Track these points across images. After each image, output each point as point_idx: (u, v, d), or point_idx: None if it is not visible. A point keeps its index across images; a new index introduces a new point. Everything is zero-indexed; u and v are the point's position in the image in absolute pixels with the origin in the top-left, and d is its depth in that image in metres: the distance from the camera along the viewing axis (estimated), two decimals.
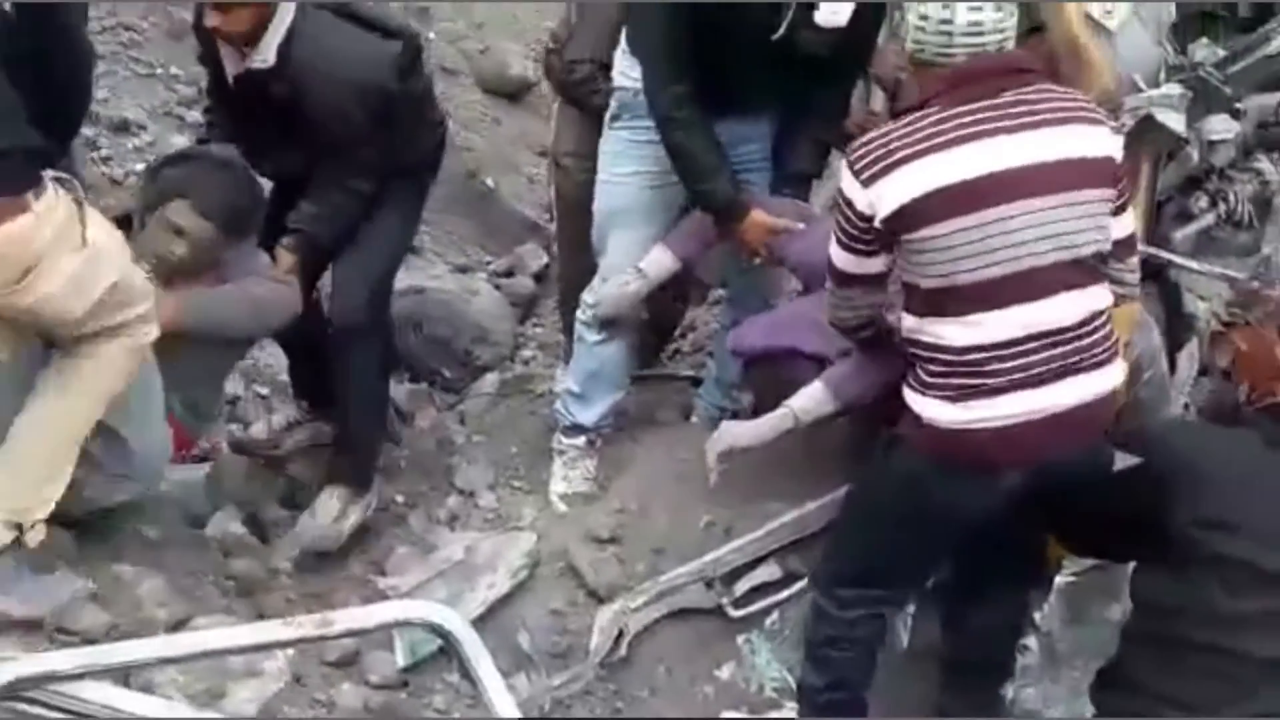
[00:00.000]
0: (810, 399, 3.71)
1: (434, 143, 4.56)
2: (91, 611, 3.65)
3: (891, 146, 3.05)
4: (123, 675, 3.23)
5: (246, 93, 4.10)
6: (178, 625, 3.74)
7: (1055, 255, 3.09)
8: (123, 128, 6.04)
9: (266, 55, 3.95)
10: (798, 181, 4.27)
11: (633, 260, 4.25)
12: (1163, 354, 4.06)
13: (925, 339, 3.16)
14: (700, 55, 3.89)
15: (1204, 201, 4.47)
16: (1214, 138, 4.39)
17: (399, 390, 5.37)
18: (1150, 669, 3.18)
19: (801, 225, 4.05)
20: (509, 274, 6.44)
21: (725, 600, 4.00)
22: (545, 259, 6.27)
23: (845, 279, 3.26)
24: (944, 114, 3.06)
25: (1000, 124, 3.05)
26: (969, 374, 3.12)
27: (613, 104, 4.26)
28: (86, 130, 5.89)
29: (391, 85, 4.09)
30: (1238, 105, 4.41)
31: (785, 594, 4.01)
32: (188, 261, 3.96)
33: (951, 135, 3.04)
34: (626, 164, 4.25)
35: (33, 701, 2.93)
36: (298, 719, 3.67)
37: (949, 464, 3.21)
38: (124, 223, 3.92)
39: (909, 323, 3.20)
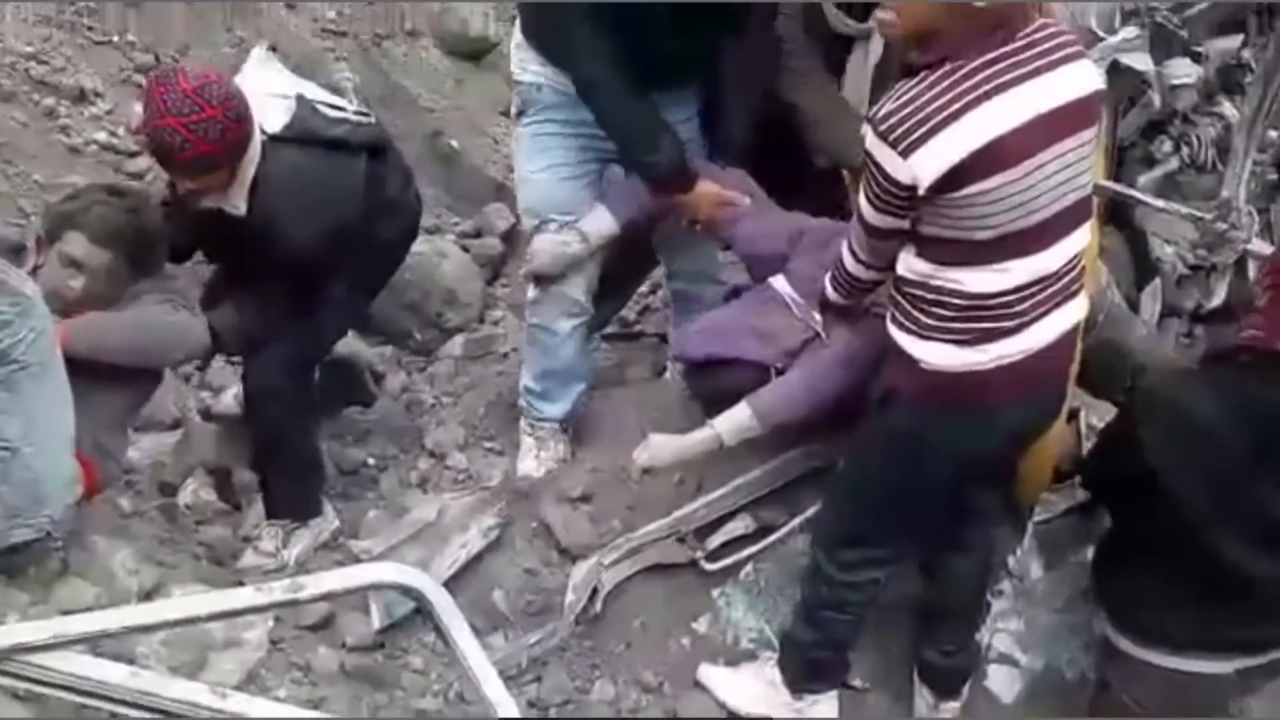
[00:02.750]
0: (735, 422, 3.69)
1: (402, 229, 4.33)
2: (71, 585, 3.64)
3: (925, 112, 2.92)
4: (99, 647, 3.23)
5: (206, 222, 3.94)
6: (151, 594, 3.73)
7: (1073, 196, 3.09)
8: (80, 97, 5.97)
9: (237, 203, 3.83)
10: (732, 151, 4.15)
11: None
12: (1114, 286, 4.06)
13: (939, 284, 3.11)
14: (620, 27, 3.70)
15: (1167, 146, 4.46)
16: (1176, 82, 4.38)
17: (371, 353, 5.37)
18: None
19: (748, 200, 4.02)
20: (476, 235, 6.41)
21: (699, 554, 4.01)
22: (512, 219, 6.23)
23: (881, 234, 3.17)
24: (969, 68, 2.95)
25: (1023, 70, 2.97)
26: (984, 318, 3.11)
27: (515, 101, 4.15)
28: (45, 100, 5.86)
29: (358, 215, 3.97)
30: (1198, 49, 4.40)
31: (759, 546, 4.02)
32: (89, 298, 3.71)
33: (983, 90, 2.93)
34: (539, 159, 4.12)
35: (4, 674, 2.93)
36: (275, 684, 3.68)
37: (950, 409, 3.22)
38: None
39: (919, 268, 3.13)
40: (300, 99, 3.91)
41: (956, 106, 2.92)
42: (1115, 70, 4.11)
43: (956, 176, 2.93)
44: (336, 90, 6.45)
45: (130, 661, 3.22)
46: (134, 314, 3.73)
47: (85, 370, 3.52)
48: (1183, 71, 4.40)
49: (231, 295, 4.14)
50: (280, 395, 4.16)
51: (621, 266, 4.56)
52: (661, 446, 3.79)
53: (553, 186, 4.13)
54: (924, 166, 2.92)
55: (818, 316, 3.72)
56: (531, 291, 4.34)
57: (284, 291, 4.05)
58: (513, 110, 4.21)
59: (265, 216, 3.81)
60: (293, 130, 3.86)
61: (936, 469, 3.34)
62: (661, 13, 3.69)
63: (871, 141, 2.98)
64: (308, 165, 3.86)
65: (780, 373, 3.76)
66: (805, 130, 4.12)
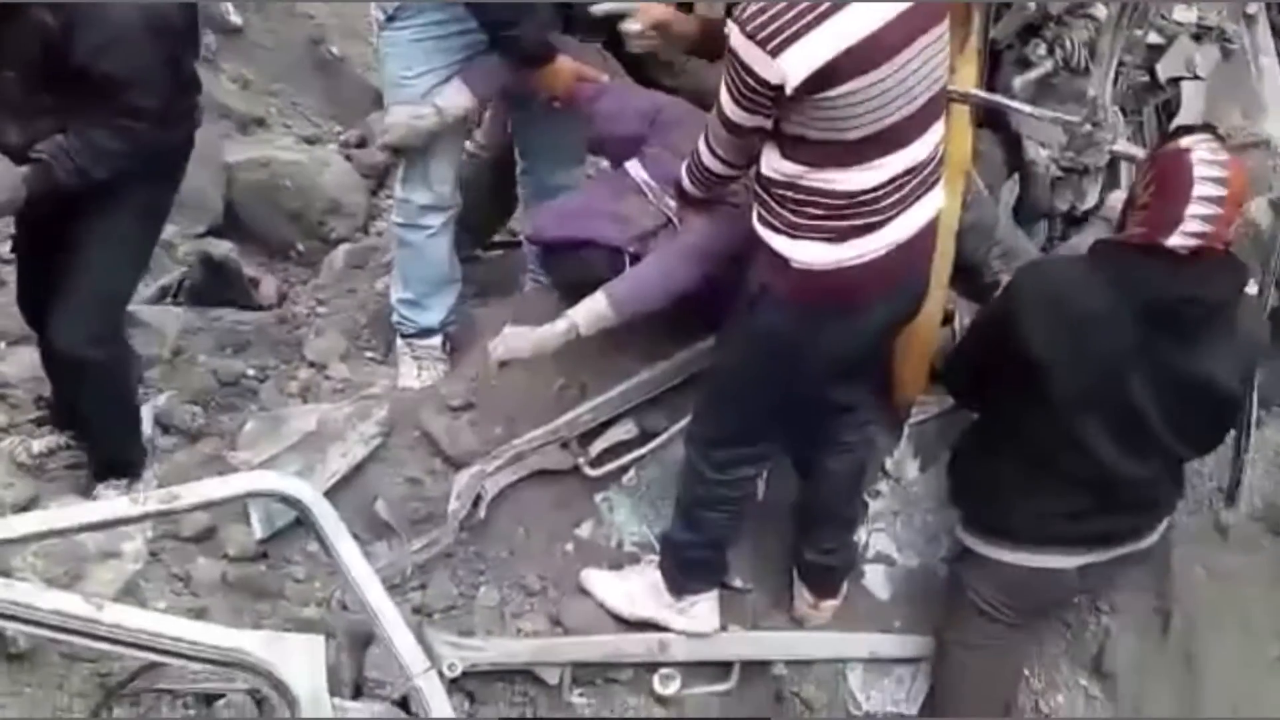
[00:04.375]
0: (591, 312, 3.67)
1: (188, 133, 3.94)
2: None
3: (795, 11, 2.93)
4: None
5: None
6: (25, 507, 3.70)
7: (930, 91, 3.13)
8: None
9: None
10: (589, 27, 4.13)
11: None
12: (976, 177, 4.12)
13: (808, 184, 3.12)
14: None
15: (1042, 49, 4.49)
16: None
17: (249, 263, 5.31)
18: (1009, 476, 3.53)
19: (605, 77, 4.02)
20: (360, 144, 6.35)
21: (582, 460, 4.03)
22: None
23: (743, 132, 3.16)
24: None
25: None
26: (855, 214, 3.14)
27: (383, 3, 4.06)
28: None
29: (178, 23, 3.61)
30: None
31: (641, 451, 4.05)
32: None
33: None
34: (415, 64, 4.08)
35: None
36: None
37: (821, 306, 3.25)
38: None
39: (787, 169, 3.14)
40: None
41: (825, 6, 2.93)
42: None
43: (825, 77, 2.94)
44: None
45: (4, 575, 3.20)
46: None
47: None
48: None
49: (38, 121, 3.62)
50: (90, 360, 3.86)
51: (499, 183, 4.61)
52: (517, 337, 3.75)
53: (431, 89, 4.09)
54: (793, 66, 2.93)
55: (672, 203, 3.73)
56: (399, 190, 4.35)
57: (103, 113, 3.55)
58: (375, 13, 4.14)
59: None
60: None
61: (806, 366, 3.38)
62: None
63: (738, 41, 2.98)
64: None
65: (635, 258, 3.75)
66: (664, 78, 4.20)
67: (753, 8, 2.97)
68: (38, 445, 4.14)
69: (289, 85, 6.53)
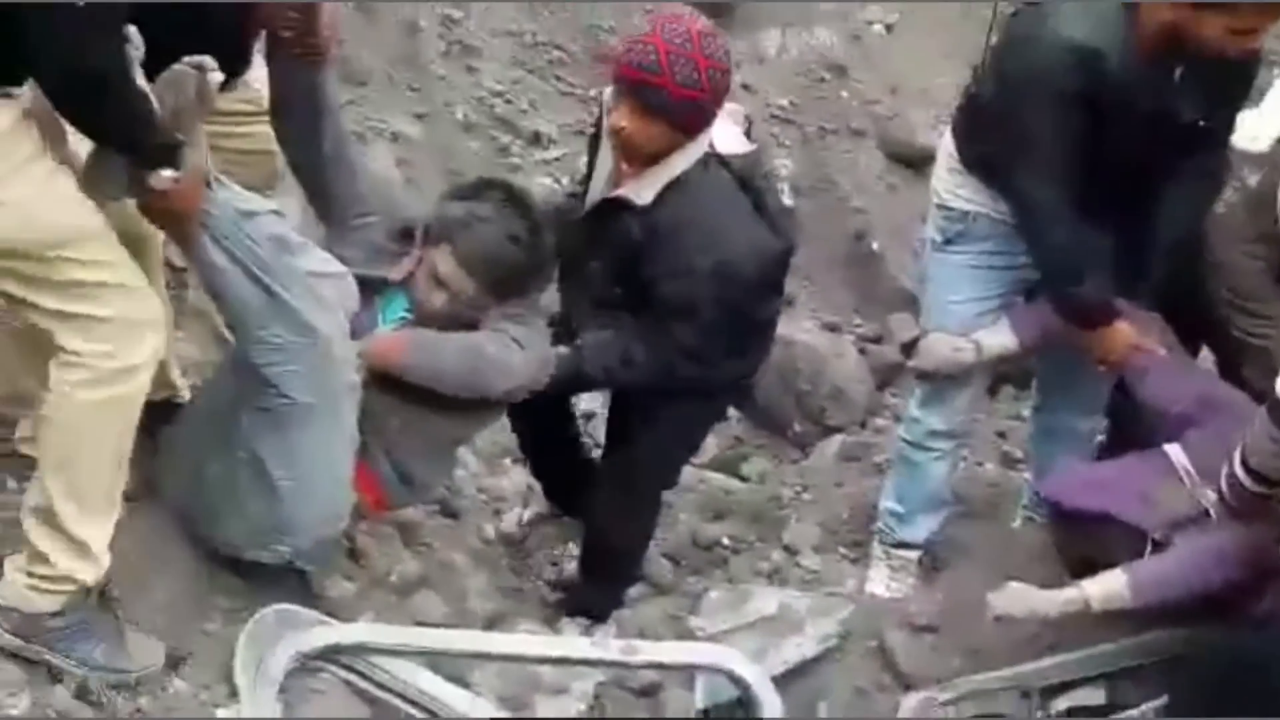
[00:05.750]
0: (1109, 590, 3.47)
1: (739, 374, 4.07)
2: (426, 597, 3.80)
3: None
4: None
5: (593, 221, 3.71)
6: (493, 622, 3.85)
7: None
8: (535, 140, 6.29)
9: (644, 193, 3.56)
10: (1145, 292, 3.95)
11: None
12: None
13: None
14: (1082, 155, 3.63)
15: None
16: None
17: (746, 433, 5.41)
18: None
19: (1164, 351, 3.85)
20: (876, 340, 6.39)
21: (1040, 715, 3.82)
22: (916, 331, 6.16)
23: None
24: None
25: None
26: None
27: (942, 225, 4.02)
28: (501, 136, 6.19)
29: (753, 280, 3.68)
30: None
31: None
32: (444, 316, 3.49)
33: None
34: (963, 290, 4.03)
35: (348, 669, 3.08)
36: None
37: None
38: None
39: None
40: (760, 151, 3.77)
41: None
42: None
43: None
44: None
45: (463, 684, 3.33)
46: (464, 340, 3.47)
47: (411, 389, 3.45)
48: None
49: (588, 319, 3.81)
50: (634, 539, 4.12)
51: None
52: (1021, 596, 3.61)
53: (973, 318, 4.05)
54: None
55: (1210, 494, 3.50)
56: (913, 407, 4.29)
57: (646, 332, 3.69)
58: (932, 233, 4.13)
59: (670, 220, 3.54)
60: (741, 163, 3.68)
61: None
62: (1124, 143, 3.62)
63: None
64: (736, 199, 3.64)
65: (1157, 544, 3.55)
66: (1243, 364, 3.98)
67: None
68: (529, 511, 4.41)
69: (824, 271, 6.66)
